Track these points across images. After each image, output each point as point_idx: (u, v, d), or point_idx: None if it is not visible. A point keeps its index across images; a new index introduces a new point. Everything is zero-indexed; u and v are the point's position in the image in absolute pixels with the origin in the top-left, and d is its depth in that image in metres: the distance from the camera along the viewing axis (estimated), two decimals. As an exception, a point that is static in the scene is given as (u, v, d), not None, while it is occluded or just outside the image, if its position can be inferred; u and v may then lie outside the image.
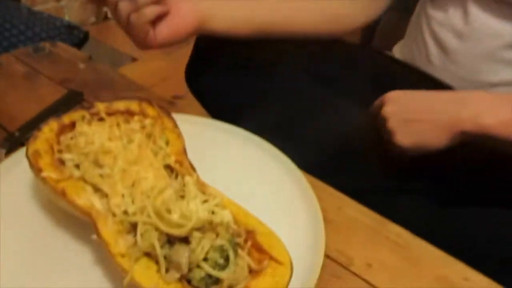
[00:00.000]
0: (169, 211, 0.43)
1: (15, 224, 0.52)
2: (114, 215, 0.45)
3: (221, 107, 0.72)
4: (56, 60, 0.87)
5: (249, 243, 0.44)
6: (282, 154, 0.60)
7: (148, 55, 1.05)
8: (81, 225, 0.49)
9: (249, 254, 0.43)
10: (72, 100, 0.74)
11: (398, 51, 0.82)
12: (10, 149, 0.64)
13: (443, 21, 0.70)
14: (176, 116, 0.57)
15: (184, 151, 0.54)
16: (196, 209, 0.44)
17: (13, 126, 0.69)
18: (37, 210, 0.53)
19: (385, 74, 0.74)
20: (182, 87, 0.81)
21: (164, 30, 0.62)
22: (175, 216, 0.43)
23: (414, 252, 0.52)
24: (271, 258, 0.43)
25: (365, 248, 0.52)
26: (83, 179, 0.48)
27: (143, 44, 0.62)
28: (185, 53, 0.78)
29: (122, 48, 1.00)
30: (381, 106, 0.60)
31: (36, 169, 0.49)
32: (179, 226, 0.42)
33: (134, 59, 0.95)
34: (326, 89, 0.68)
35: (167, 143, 0.54)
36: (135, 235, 0.43)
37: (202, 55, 0.75)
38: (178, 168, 0.51)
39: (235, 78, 0.70)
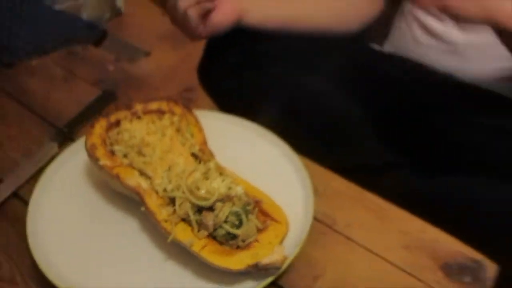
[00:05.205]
0: (197, 188, 0.58)
1: (76, 202, 0.68)
2: (156, 192, 0.60)
3: (232, 103, 0.86)
4: (88, 62, 1.01)
5: (256, 209, 0.59)
6: (282, 142, 0.73)
7: (160, 49, 1.17)
8: (131, 202, 0.64)
9: (256, 217, 0.58)
10: (106, 99, 0.88)
11: (387, 47, 0.96)
12: (61, 143, 0.79)
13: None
14: (196, 112, 0.72)
15: (205, 142, 0.68)
16: (217, 186, 0.58)
17: (58, 123, 0.84)
18: (94, 191, 0.69)
19: (373, 65, 0.88)
20: (193, 78, 0.95)
21: (210, 23, 0.78)
22: (202, 192, 0.58)
23: (384, 213, 0.67)
24: (273, 219, 0.58)
25: (346, 212, 0.67)
26: (131, 165, 0.63)
27: (194, 34, 0.79)
28: (192, 47, 0.91)
29: (136, 42, 1.12)
30: None
31: (94, 159, 0.64)
32: (205, 199, 0.57)
33: (147, 53, 1.07)
34: (325, 83, 0.82)
35: (192, 135, 0.68)
36: (173, 206, 0.58)
37: (213, 55, 0.88)
38: (201, 155, 0.65)
39: (244, 76, 0.84)
